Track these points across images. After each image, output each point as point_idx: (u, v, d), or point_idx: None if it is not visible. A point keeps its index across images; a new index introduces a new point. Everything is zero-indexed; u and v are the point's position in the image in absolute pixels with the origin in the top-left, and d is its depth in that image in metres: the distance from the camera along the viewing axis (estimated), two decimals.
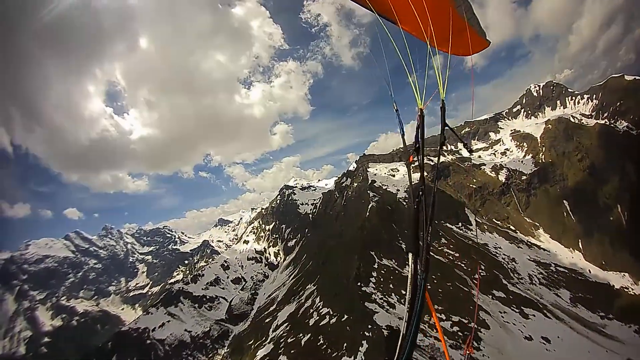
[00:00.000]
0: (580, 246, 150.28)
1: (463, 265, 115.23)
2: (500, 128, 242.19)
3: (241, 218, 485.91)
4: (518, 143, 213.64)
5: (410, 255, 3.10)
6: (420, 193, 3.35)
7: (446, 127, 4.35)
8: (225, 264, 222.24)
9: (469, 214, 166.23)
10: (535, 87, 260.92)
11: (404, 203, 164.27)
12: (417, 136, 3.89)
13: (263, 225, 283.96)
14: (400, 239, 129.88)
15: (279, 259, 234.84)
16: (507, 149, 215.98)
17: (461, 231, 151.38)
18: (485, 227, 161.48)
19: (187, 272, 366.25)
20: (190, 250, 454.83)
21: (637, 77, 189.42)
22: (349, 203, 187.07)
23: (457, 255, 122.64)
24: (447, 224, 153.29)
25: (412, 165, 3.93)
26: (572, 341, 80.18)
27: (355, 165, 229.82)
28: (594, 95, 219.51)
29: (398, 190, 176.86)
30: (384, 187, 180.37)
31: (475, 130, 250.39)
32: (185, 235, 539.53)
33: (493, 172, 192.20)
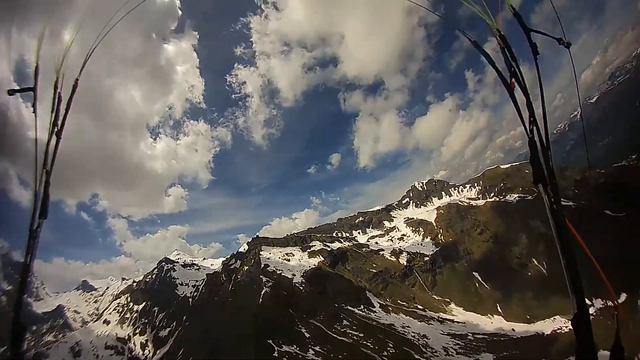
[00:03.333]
0: (500, 310, 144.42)
1: (369, 344, 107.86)
2: (394, 217, 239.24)
3: (108, 287, 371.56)
4: (414, 228, 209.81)
5: (540, 185, 3.15)
6: (532, 120, 3.17)
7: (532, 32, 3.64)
8: (77, 348, 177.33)
9: (371, 297, 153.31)
10: (419, 183, 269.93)
11: (301, 288, 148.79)
12: (507, 60, 3.38)
13: (131, 304, 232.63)
14: (299, 323, 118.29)
15: (146, 352, 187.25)
16: (403, 235, 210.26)
17: (364, 313, 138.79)
18: (390, 308, 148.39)
19: (32, 344, 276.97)
20: (43, 313, 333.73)
21: (513, 164, 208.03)
22: (238, 288, 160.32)
23: (361, 335, 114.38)
24: (349, 307, 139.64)
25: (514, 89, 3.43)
26: None
27: (246, 247, 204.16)
28: (475, 184, 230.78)
29: (294, 275, 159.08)
30: (279, 272, 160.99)
31: (369, 219, 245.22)
32: (44, 290, 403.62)
33: (393, 257, 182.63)
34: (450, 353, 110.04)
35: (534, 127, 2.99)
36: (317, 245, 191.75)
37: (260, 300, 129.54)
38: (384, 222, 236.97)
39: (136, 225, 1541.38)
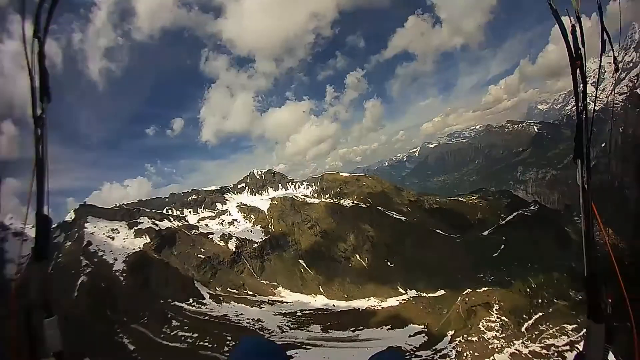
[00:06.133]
0: (322, 291, 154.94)
1: (207, 343, 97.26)
2: (227, 200, 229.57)
3: None
4: (245, 215, 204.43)
5: (578, 161, 3.26)
6: (584, 103, 3.20)
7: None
8: None
9: (200, 287, 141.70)
10: (257, 171, 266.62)
11: (122, 278, 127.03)
12: (575, 41, 3.27)
13: None
14: (119, 331, 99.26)
15: None
16: (234, 220, 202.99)
17: (194, 308, 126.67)
18: (221, 297, 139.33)
19: None
20: None
21: (352, 174, 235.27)
22: (58, 273, 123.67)
23: (196, 335, 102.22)
24: (176, 303, 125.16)
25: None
26: (337, 355, 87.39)
27: (73, 216, 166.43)
28: (312, 184, 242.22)
29: (116, 259, 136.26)
30: (100, 254, 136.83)
31: (202, 198, 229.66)
32: None
33: (222, 242, 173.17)
34: (284, 330, 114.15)
35: (584, 111, 3.16)
36: (146, 222, 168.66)
37: (76, 294, 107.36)
38: (217, 203, 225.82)
39: None
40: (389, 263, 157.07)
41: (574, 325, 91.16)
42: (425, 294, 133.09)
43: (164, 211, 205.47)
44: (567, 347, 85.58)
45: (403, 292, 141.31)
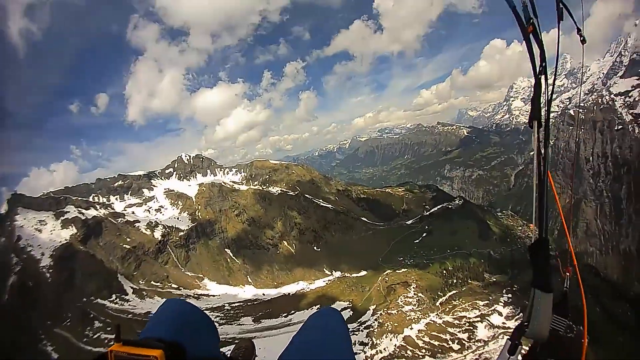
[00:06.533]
0: (250, 280, 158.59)
1: None
2: (154, 186, 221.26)
3: None
4: (173, 201, 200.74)
5: (535, 122, 2.99)
6: (542, 66, 3.02)
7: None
8: None
9: (123, 282, 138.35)
10: (186, 156, 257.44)
11: (48, 275, 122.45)
12: (527, 14, 2.95)
13: None
14: (43, 335, 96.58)
15: None
16: (161, 206, 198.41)
17: (117, 305, 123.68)
18: (145, 292, 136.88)
19: None
20: None
21: (282, 162, 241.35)
22: None
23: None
24: (99, 300, 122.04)
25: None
26: (271, 343, 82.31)
27: (7, 208, 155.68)
28: (241, 170, 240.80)
29: (43, 254, 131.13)
30: (29, 250, 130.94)
31: (129, 184, 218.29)
32: None
33: (148, 230, 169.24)
34: None
35: (542, 74, 2.92)
36: (72, 211, 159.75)
37: (7, 296, 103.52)
38: (144, 189, 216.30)
39: None
40: (315, 248, 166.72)
41: (486, 302, 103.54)
42: (349, 275, 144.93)
43: (90, 198, 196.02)
44: (478, 319, 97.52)
45: (329, 273, 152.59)
